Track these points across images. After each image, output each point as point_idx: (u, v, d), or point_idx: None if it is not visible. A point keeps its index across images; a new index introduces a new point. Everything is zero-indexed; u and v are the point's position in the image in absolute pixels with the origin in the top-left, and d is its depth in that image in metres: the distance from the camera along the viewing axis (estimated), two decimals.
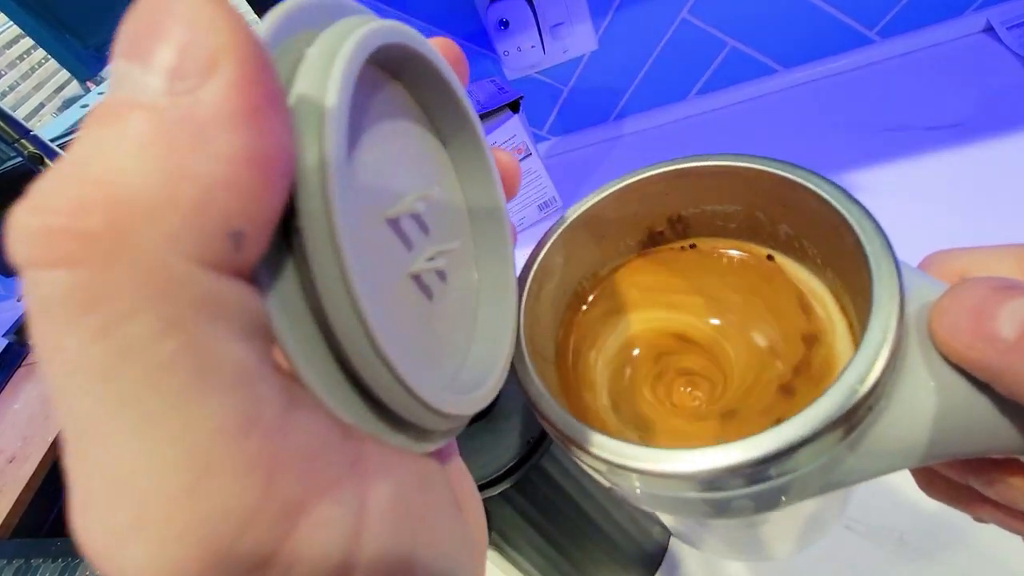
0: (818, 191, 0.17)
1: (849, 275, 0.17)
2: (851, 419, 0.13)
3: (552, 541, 0.33)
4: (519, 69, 0.68)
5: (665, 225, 0.22)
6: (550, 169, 0.65)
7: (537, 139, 0.76)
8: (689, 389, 0.20)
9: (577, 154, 0.73)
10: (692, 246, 0.22)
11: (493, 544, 0.32)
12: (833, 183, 0.17)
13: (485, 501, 0.28)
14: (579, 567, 0.35)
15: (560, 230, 0.20)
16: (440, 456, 0.14)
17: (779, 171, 0.18)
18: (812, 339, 0.18)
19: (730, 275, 0.21)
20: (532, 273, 0.19)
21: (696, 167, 0.19)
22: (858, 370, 0.13)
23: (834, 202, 0.16)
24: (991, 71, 0.57)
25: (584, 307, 0.22)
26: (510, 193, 0.18)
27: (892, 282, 0.14)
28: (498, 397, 0.30)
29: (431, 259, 0.14)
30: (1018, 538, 0.17)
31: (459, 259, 0.16)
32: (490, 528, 0.30)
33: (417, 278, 0.14)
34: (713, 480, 0.14)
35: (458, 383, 0.15)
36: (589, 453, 0.15)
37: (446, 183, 0.16)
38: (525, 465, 0.29)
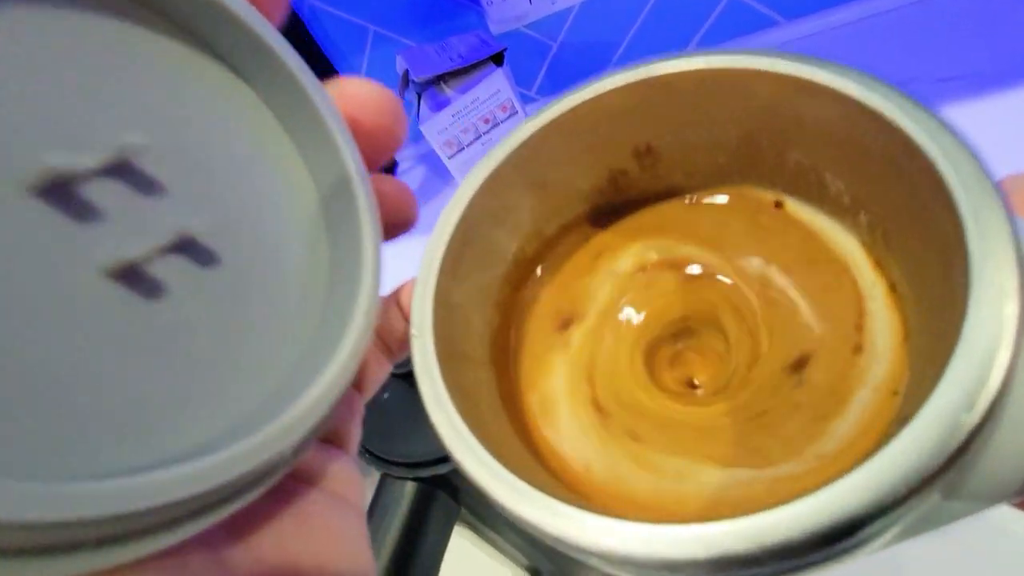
0: (863, 99, 0.12)
1: (897, 218, 0.13)
2: (952, 463, 0.09)
3: None
4: (504, 22, 0.64)
5: (630, 161, 0.17)
6: None
7: (525, 100, 0.72)
8: (685, 383, 0.16)
9: None
10: (670, 193, 0.18)
11: (464, 522, 0.30)
12: (884, 83, 0.12)
13: (449, 474, 0.25)
14: None
15: (483, 178, 0.15)
16: (215, 540, 0.09)
17: (795, 71, 0.13)
18: (843, 308, 0.14)
19: (725, 229, 0.17)
20: (446, 240, 0.14)
21: (674, 74, 0.14)
22: (962, 388, 0.08)
23: (890, 114, 0.11)
24: (1007, 18, 0.53)
25: (529, 280, 0.18)
26: (381, 151, 0.13)
27: (1004, 246, 0.09)
28: None
29: (184, 239, 0.10)
30: None
31: (269, 232, 0.12)
32: (459, 504, 0.27)
33: (132, 273, 0.09)
34: (724, 569, 0.09)
35: (271, 404, 0.11)
36: (521, 519, 0.11)
37: (220, 130, 0.11)
38: None
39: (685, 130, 0.16)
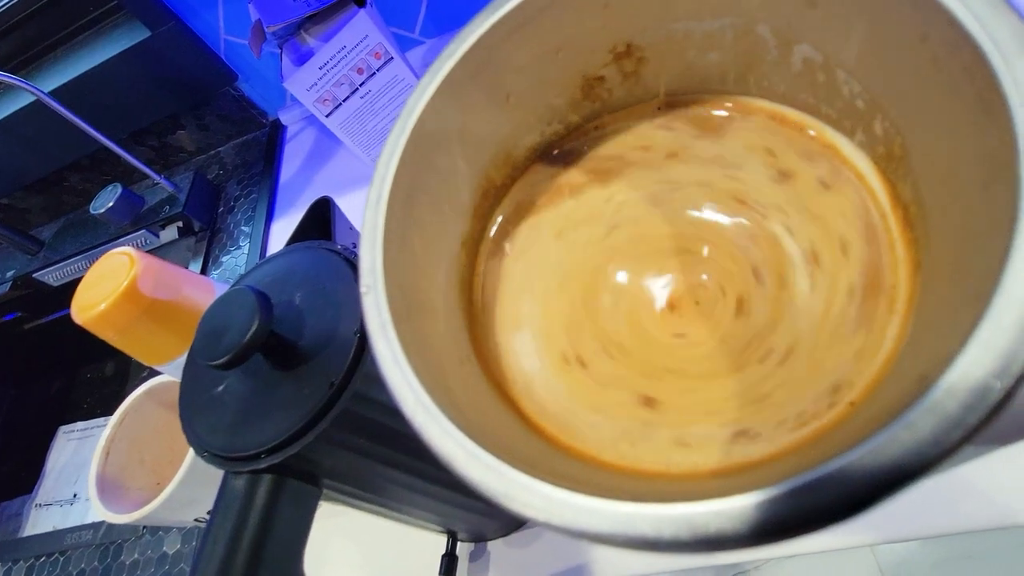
0: None
1: (922, 125, 0.11)
2: (979, 428, 0.08)
3: (399, 464, 0.29)
4: None
5: (608, 66, 0.14)
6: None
7: (407, 44, 0.67)
8: (686, 329, 0.14)
9: None
10: (661, 106, 0.15)
11: (328, 498, 0.28)
12: None
13: (302, 459, 0.23)
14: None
15: (431, 92, 0.12)
16: None
17: None
18: (847, 232, 0.13)
19: (721, 146, 0.14)
20: (393, 170, 0.12)
21: None
22: (996, 352, 0.07)
23: None
24: None
25: (501, 212, 0.15)
26: None
27: None
28: (296, 345, 0.25)
29: None
30: None
31: None
32: (319, 487, 0.25)
33: None
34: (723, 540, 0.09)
35: None
36: (492, 498, 0.10)
37: None
38: (339, 400, 0.25)
39: (670, 23, 0.13)
